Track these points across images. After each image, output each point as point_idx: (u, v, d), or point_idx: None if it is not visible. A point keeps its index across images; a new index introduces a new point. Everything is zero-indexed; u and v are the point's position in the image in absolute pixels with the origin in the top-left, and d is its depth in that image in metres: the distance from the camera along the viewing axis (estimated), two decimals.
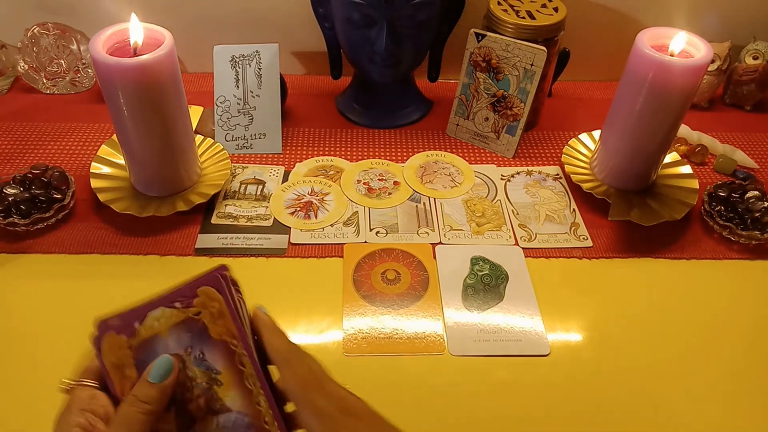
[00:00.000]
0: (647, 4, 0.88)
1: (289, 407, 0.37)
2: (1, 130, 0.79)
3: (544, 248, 0.67)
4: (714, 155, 0.81)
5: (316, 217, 0.69)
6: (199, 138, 0.74)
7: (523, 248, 0.67)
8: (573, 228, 0.69)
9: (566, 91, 0.92)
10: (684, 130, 0.82)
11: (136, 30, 0.61)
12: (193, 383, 0.37)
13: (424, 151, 0.80)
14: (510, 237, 0.68)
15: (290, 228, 0.67)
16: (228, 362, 0.36)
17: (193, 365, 0.37)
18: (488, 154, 0.80)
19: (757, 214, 0.67)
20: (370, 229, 0.68)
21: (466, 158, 0.79)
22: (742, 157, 0.79)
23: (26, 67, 0.85)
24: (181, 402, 0.37)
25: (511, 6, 0.74)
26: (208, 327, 0.37)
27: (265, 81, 0.78)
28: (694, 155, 0.80)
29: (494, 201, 0.72)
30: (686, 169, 0.74)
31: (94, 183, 0.68)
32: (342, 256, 0.65)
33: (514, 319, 0.59)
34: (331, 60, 0.83)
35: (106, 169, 0.70)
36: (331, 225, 0.68)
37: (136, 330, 0.37)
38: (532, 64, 0.72)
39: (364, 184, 0.74)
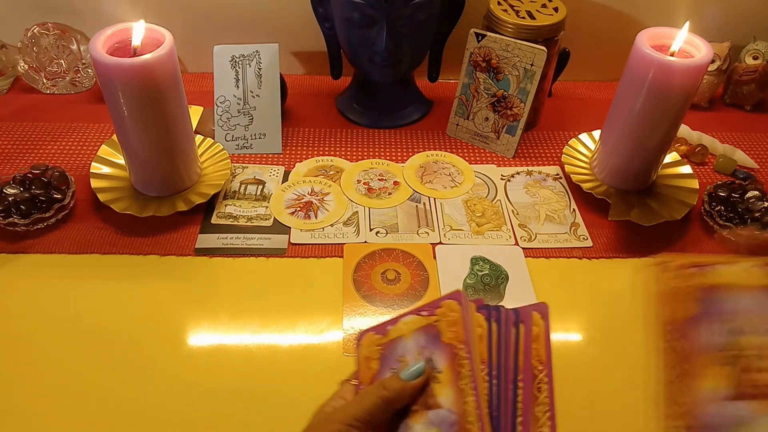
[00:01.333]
0: (647, 4, 0.88)
1: None
2: (1, 130, 0.79)
3: (544, 248, 0.67)
4: (714, 155, 0.81)
5: (316, 217, 0.69)
6: (199, 138, 0.74)
7: (523, 248, 0.67)
8: (573, 228, 0.69)
9: (566, 91, 0.92)
10: (684, 130, 0.82)
11: (138, 33, 0.61)
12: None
13: (424, 151, 0.80)
14: (510, 237, 0.68)
15: (290, 228, 0.67)
16: (450, 364, 0.39)
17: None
18: (488, 154, 0.80)
19: (757, 214, 0.67)
20: (370, 229, 0.68)
21: (466, 158, 0.79)
22: (742, 157, 0.79)
23: (26, 67, 0.85)
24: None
25: (511, 6, 0.74)
26: (441, 332, 0.41)
27: (265, 81, 0.78)
28: (694, 155, 0.80)
29: (494, 201, 0.72)
30: (686, 169, 0.74)
31: (94, 183, 0.68)
32: (342, 256, 0.65)
33: None
34: (331, 60, 0.83)
35: (106, 169, 0.70)
36: (331, 225, 0.68)
37: (388, 331, 0.43)
38: (532, 64, 0.72)
39: (364, 184, 0.74)
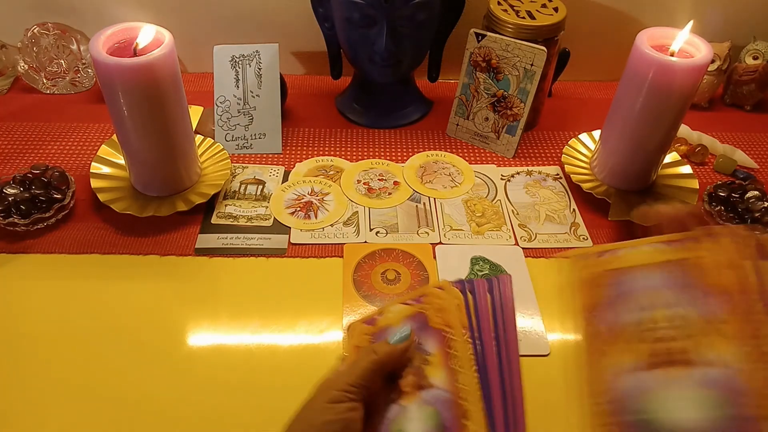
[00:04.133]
0: (647, 4, 0.88)
1: None
2: (1, 130, 0.79)
3: (544, 248, 0.67)
4: (714, 155, 0.81)
5: (316, 217, 0.69)
6: (199, 138, 0.74)
7: (523, 248, 0.66)
8: (573, 228, 0.69)
9: (566, 91, 0.92)
10: (684, 130, 0.82)
11: (145, 35, 0.61)
12: (408, 363, 0.43)
13: (424, 151, 0.80)
14: (510, 237, 0.68)
15: (290, 228, 0.67)
16: (440, 347, 0.42)
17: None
18: (488, 154, 0.80)
19: (757, 214, 0.67)
20: (370, 229, 0.68)
21: (466, 158, 0.79)
22: (742, 157, 0.79)
23: (26, 67, 0.85)
24: (395, 378, 0.42)
25: (511, 6, 0.74)
26: (429, 318, 0.43)
27: (265, 81, 0.78)
28: (694, 155, 0.80)
29: (494, 201, 0.72)
30: (686, 169, 0.74)
31: (94, 183, 0.68)
32: (342, 256, 0.65)
33: None
34: (331, 60, 0.83)
35: (106, 169, 0.70)
36: (331, 225, 0.68)
37: (376, 321, 0.45)
38: (532, 64, 0.72)
39: (364, 184, 0.74)
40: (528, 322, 0.59)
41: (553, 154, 0.80)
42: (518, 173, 0.77)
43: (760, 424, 0.33)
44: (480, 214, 0.71)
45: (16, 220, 0.63)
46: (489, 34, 0.73)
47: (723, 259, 0.36)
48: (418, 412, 0.40)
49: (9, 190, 0.65)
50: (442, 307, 0.43)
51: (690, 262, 0.37)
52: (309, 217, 0.69)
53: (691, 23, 0.64)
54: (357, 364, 0.40)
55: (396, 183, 0.74)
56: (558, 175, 0.77)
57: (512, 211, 0.71)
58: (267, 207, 0.70)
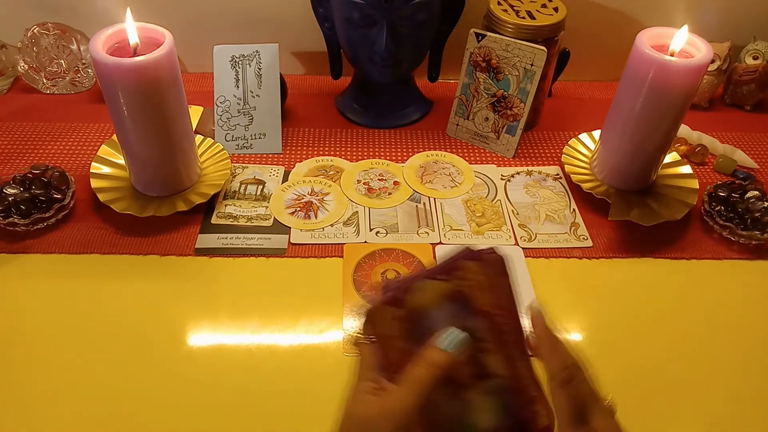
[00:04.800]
0: (647, 4, 0.88)
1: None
2: (1, 130, 0.79)
3: (544, 248, 0.67)
4: (714, 155, 0.81)
5: (316, 217, 0.69)
6: (199, 138, 0.74)
7: (523, 248, 0.66)
8: (573, 228, 0.69)
9: (566, 91, 0.92)
10: (684, 130, 0.82)
11: (131, 28, 0.61)
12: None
13: (424, 151, 0.80)
14: (510, 237, 0.68)
15: (290, 228, 0.67)
16: (491, 331, 0.38)
17: None
18: (488, 154, 0.80)
19: (757, 214, 0.67)
20: (370, 229, 0.68)
21: (466, 158, 0.79)
22: (742, 157, 0.79)
23: (26, 67, 0.85)
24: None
25: (511, 6, 0.74)
26: (471, 298, 0.38)
27: (265, 81, 0.78)
28: (694, 155, 0.80)
29: (494, 201, 0.72)
30: (686, 169, 0.74)
31: (94, 183, 0.68)
32: (342, 256, 0.65)
33: None
34: (331, 60, 0.83)
35: (106, 169, 0.70)
36: (331, 225, 0.68)
37: (405, 302, 0.38)
38: (532, 64, 0.72)
39: (364, 184, 0.74)
40: (528, 322, 0.59)
41: (553, 154, 0.80)
42: (518, 173, 0.77)
43: (534, 406, 0.38)
44: (480, 214, 0.71)
45: (16, 220, 0.63)
46: (489, 34, 0.73)
47: (478, 283, 0.39)
48: (485, 404, 0.37)
49: (9, 190, 0.65)
50: (483, 285, 0.39)
51: (461, 289, 0.39)
52: (309, 217, 0.69)
53: (686, 27, 0.64)
54: (415, 381, 0.36)
55: (396, 183, 0.74)
56: (558, 175, 0.77)
57: (512, 211, 0.71)
58: (267, 207, 0.70)
